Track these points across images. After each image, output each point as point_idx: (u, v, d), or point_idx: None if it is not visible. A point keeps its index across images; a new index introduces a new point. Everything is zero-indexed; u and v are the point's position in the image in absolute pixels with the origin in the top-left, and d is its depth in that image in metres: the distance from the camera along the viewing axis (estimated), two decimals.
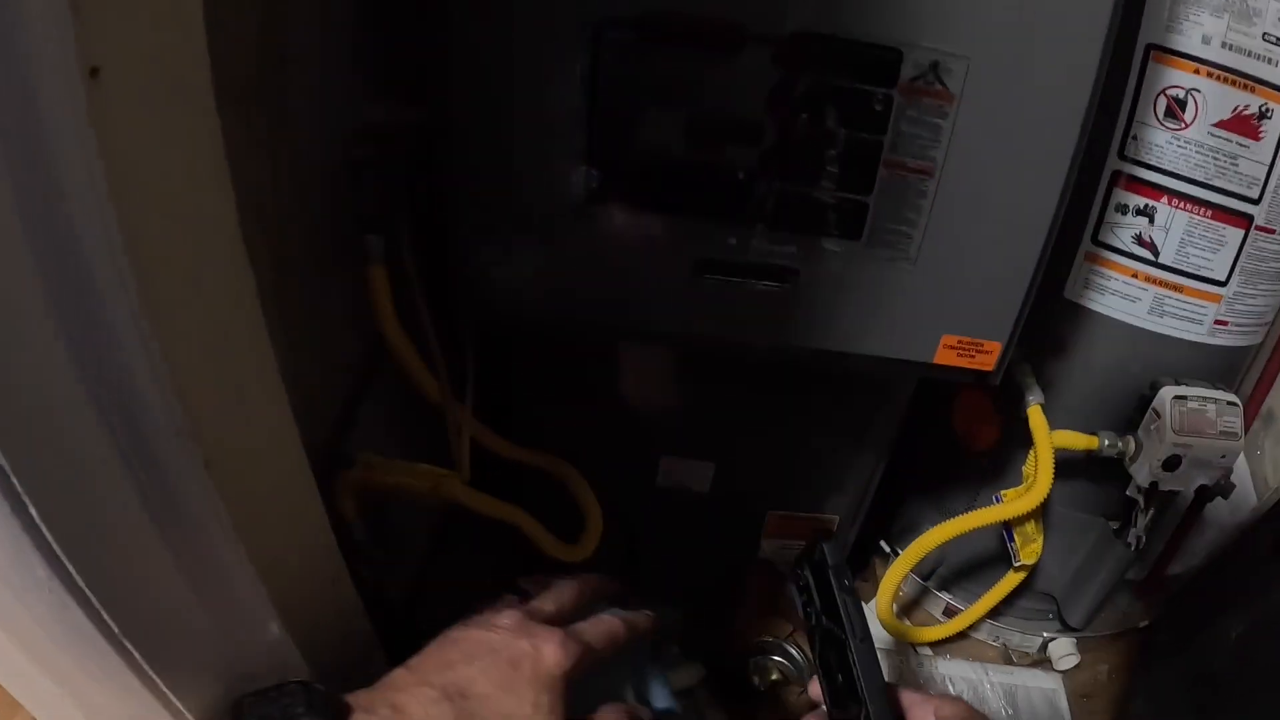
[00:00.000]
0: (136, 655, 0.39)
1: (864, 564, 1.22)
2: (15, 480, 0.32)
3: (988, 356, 0.74)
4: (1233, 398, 0.91)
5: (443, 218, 0.70)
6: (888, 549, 1.19)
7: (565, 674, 0.52)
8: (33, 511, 0.33)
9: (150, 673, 0.40)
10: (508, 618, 0.55)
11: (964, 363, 0.74)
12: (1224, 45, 0.80)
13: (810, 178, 0.65)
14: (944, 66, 0.62)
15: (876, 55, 0.61)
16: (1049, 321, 0.93)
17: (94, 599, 0.36)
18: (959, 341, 0.73)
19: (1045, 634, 1.13)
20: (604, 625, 0.60)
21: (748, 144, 0.64)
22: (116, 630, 0.38)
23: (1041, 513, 0.97)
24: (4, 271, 0.30)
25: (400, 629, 0.79)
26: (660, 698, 0.74)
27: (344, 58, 0.70)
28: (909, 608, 1.17)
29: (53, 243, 0.32)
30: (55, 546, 0.34)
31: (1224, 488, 0.97)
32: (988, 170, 0.66)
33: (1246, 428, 1.17)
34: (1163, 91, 0.82)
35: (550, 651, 0.52)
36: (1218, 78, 0.81)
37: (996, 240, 0.69)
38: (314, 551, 0.56)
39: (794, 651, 1.05)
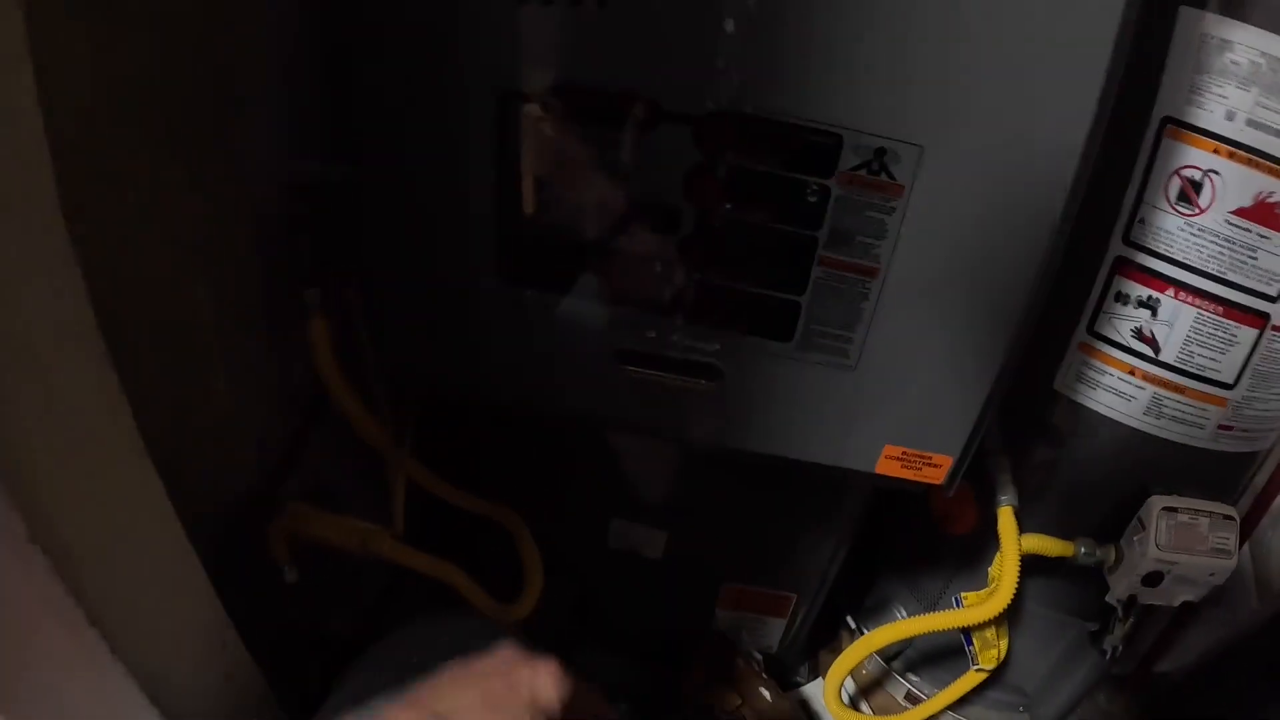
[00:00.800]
0: None
1: (830, 635, 1.14)
2: None
3: (936, 470, 0.65)
4: (1230, 511, 0.81)
5: (364, 288, 0.65)
6: (854, 625, 1.10)
7: (560, 707, 0.49)
8: None
9: None
10: (508, 648, 0.54)
11: (909, 475, 0.65)
12: (1250, 123, 0.69)
13: (733, 272, 0.57)
14: (892, 154, 0.53)
15: (810, 140, 0.53)
16: (1034, 412, 0.83)
17: None
18: (904, 453, 0.64)
19: None
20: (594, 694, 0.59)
21: (664, 231, 0.56)
22: None
23: (1005, 618, 0.87)
24: None
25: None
26: None
27: (285, 111, 0.67)
28: (870, 689, 1.09)
29: None
30: None
31: (1213, 599, 0.88)
32: (943, 272, 0.57)
33: (1255, 525, 1.07)
34: (1177, 172, 0.72)
35: (547, 679, 0.49)
36: (1240, 159, 0.70)
37: (951, 349, 0.60)
38: (195, 624, 0.56)
39: None
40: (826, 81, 0.51)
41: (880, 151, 0.53)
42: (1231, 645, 1.05)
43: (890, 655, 1.07)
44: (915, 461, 0.64)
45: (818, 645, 1.13)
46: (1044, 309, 0.60)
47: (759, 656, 1.01)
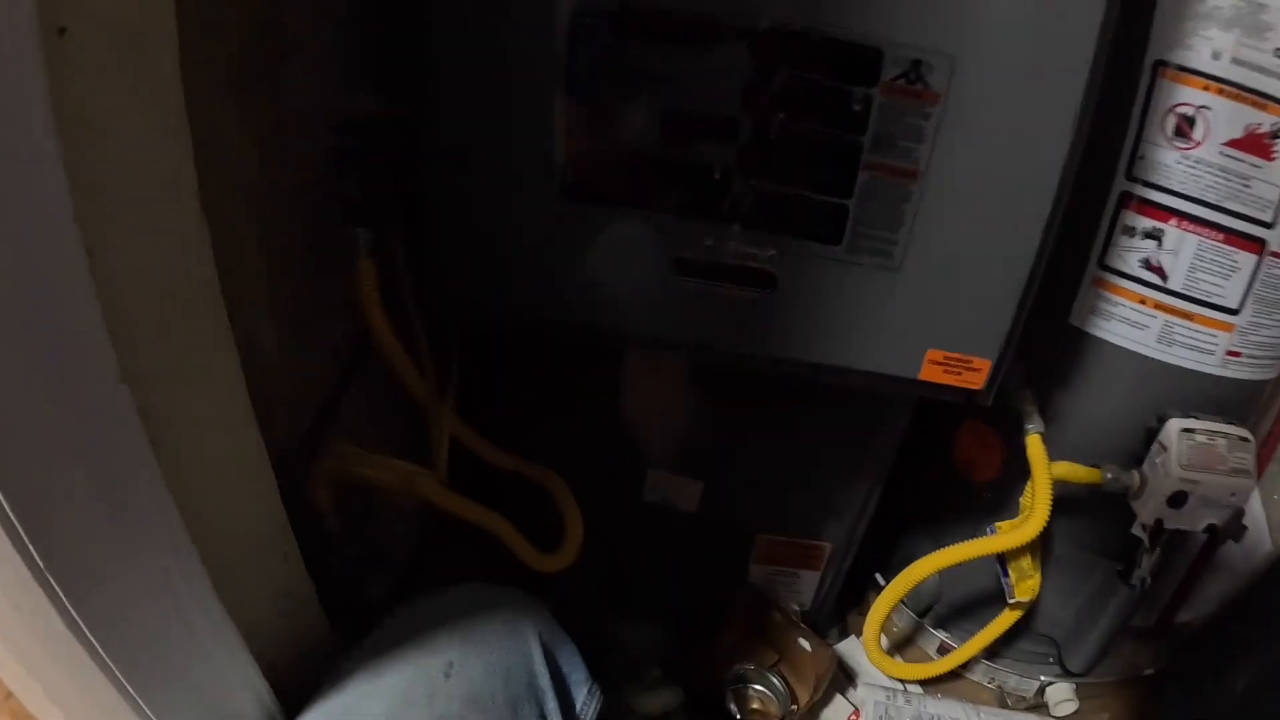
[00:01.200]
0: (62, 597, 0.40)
1: (858, 598, 1.18)
2: None
3: (976, 374, 0.70)
4: (1245, 433, 0.87)
5: (421, 212, 0.69)
6: (883, 582, 1.14)
7: None
8: None
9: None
10: None
11: (951, 380, 0.71)
12: (1235, 61, 0.77)
13: (787, 178, 0.64)
14: (927, 65, 0.60)
15: (856, 52, 0.60)
16: (1053, 348, 0.90)
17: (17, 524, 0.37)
18: (945, 357, 0.70)
19: (1043, 678, 1.08)
20: None
21: (723, 141, 0.62)
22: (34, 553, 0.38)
23: (1039, 548, 0.92)
24: None
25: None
26: (577, 682, 0.67)
27: (336, 49, 0.71)
28: (903, 644, 1.13)
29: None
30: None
31: (1235, 530, 0.92)
32: (975, 174, 0.63)
33: (1262, 469, 1.13)
34: (1171, 109, 0.79)
35: None
36: (1228, 94, 0.78)
37: (986, 249, 0.66)
38: (258, 521, 0.58)
39: (776, 681, 1.01)
40: None
41: (917, 62, 0.59)
42: (1249, 589, 1.10)
43: (922, 610, 1.11)
44: (956, 366, 0.70)
45: (846, 608, 1.17)
46: (1062, 224, 0.66)
47: (795, 608, 1.04)
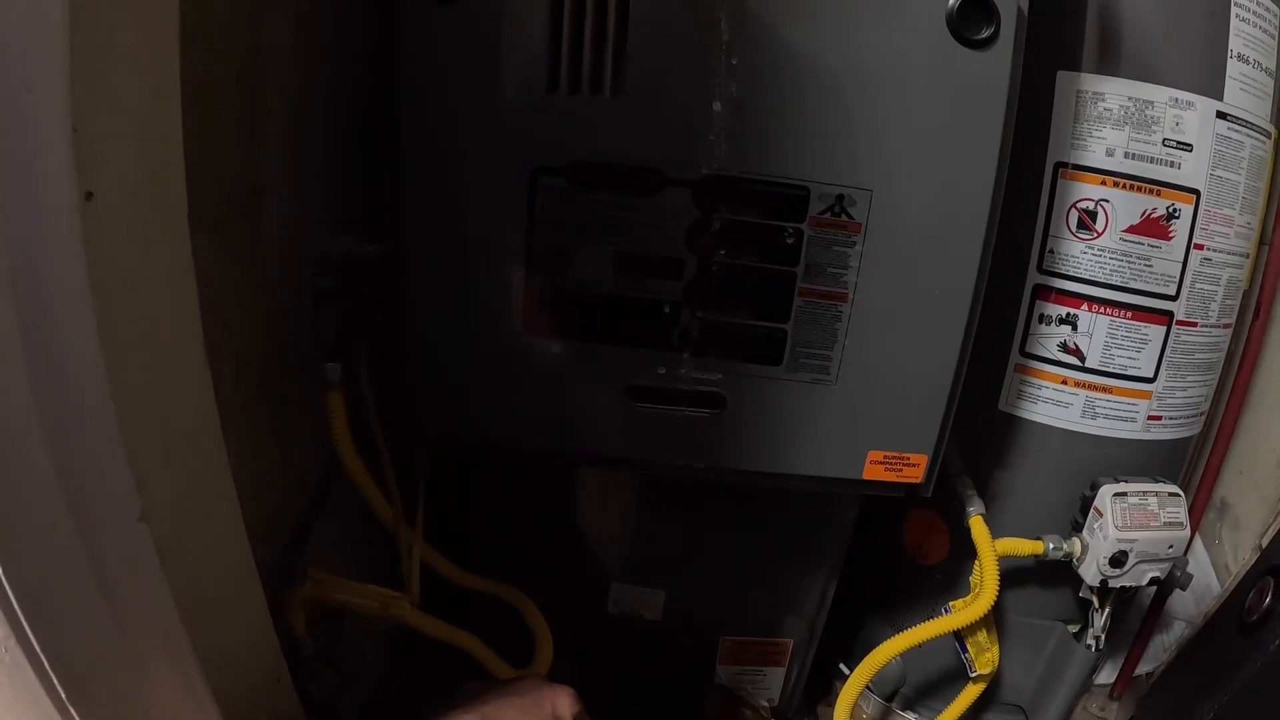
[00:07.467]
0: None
1: (825, 689, 1.32)
2: None
3: (915, 469, 0.86)
4: (1174, 489, 1.04)
5: (394, 345, 0.82)
6: (848, 671, 1.29)
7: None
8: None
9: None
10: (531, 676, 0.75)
11: (892, 477, 0.86)
12: (1127, 155, 0.96)
13: (730, 308, 0.78)
14: (849, 199, 0.76)
15: (785, 193, 0.75)
16: (986, 433, 1.07)
17: (41, 655, 0.42)
18: (885, 456, 0.85)
19: None
20: None
21: (671, 278, 0.77)
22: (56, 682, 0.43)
23: (993, 621, 1.08)
24: None
25: None
26: None
27: (313, 193, 0.84)
28: None
29: (36, 342, 0.40)
30: (18, 611, 0.40)
31: (1180, 579, 1.10)
32: (899, 292, 0.79)
33: (1199, 518, 1.32)
34: (1074, 205, 0.98)
35: (565, 698, 0.71)
36: (1125, 186, 0.97)
37: (914, 357, 0.82)
38: (255, 646, 0.68)
39: None
40: (795, 145, 0.73)
41: (840, 197, 0.75)
42: (1203, 629, 1.27)
43: (889, 694, 1.25)
44: (896, 463, 0.85)
45: (815, 700, 1.31)
46: (983, 321, 0.83)
47: (766, 704, 1.17)
